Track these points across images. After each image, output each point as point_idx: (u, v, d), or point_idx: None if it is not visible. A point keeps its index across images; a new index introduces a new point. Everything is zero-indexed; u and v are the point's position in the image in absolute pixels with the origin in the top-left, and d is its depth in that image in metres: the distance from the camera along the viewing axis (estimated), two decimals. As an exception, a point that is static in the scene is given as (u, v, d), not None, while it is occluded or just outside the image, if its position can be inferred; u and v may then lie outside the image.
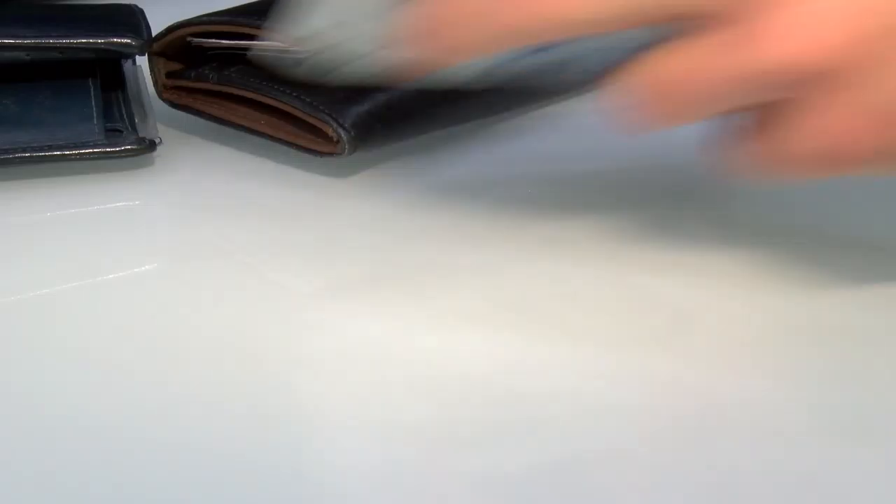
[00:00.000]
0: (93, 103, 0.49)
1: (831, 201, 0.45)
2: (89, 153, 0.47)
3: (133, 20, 0.51)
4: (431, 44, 0.38)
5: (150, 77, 0.51)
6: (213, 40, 0.50)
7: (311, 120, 0.47)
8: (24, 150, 0.47)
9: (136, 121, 0.50)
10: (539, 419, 0.35)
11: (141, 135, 0.49)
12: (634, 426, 0.35)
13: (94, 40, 0.49)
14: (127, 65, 0.53)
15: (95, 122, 0.48)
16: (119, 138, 0.48)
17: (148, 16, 0.51)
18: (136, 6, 0.53)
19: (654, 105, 0.37)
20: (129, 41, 0.49)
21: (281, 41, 0.48)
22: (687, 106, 0.37)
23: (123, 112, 0.50)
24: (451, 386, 0.37)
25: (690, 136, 0.39)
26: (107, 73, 0.52)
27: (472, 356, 0.38)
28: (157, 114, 0.51)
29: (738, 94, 0.36)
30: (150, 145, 0.48)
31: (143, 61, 0.52)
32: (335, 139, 0.47)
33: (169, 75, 0.51)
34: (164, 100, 0.51)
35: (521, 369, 0.38)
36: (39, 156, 0.47)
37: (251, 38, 0.48)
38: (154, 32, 0.50)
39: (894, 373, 0.38)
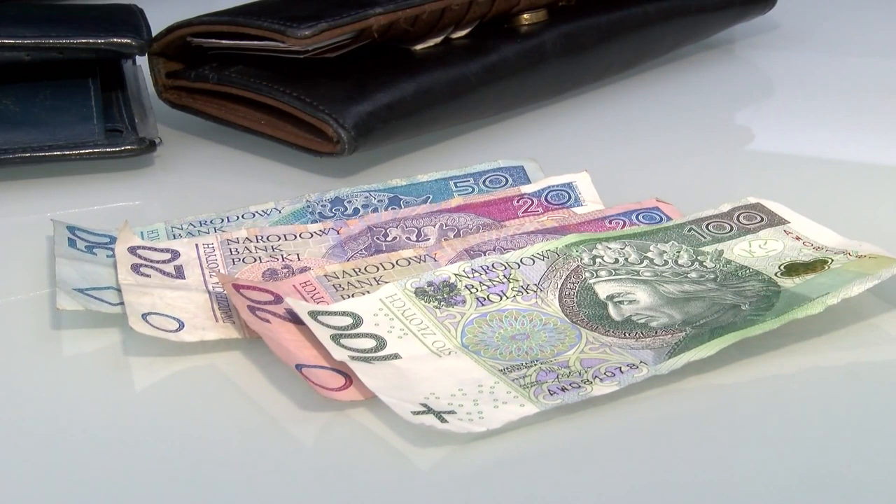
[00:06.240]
0: (93, 103, 0.49)
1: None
2: (89, 153, 0.48)
3: (133, 20, 0.51)
4: None
5: (150, 77, 0.52)
6: (213, 40, 0.50)
7: (311, 120, 0.47)
8: (24, 150, 0.47)
9: (136, 121, 0.50)
10: None
11: (141, 135, 0.49)
12: None
13: (94, 40, 0.49)
14: (127, 65, 0.53)
15: (95, 122, 0.49)
16: (119, 138, 0.48)
17: (148, 16, 0.52)
18: (136, 6, 0.53)
19: None
20: (129, 41, 0.49)
21: (280, 41, 0.48)
22: None
23: (123, 112, 0.50)
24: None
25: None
26: (107, 73, 0.52)
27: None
28: (157, 114, 0.51)
29: None
30: (150, 145, 0.48)
31: (143, 61, 0.52)
32: (335, 139, 0.47)
33: (169, 75, 0.51)
34: (164, 100, 0.51)
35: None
36: (39, 156, 0.47)
37: (251, 38, 0.48)
38: (154, 32, 0.50)
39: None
